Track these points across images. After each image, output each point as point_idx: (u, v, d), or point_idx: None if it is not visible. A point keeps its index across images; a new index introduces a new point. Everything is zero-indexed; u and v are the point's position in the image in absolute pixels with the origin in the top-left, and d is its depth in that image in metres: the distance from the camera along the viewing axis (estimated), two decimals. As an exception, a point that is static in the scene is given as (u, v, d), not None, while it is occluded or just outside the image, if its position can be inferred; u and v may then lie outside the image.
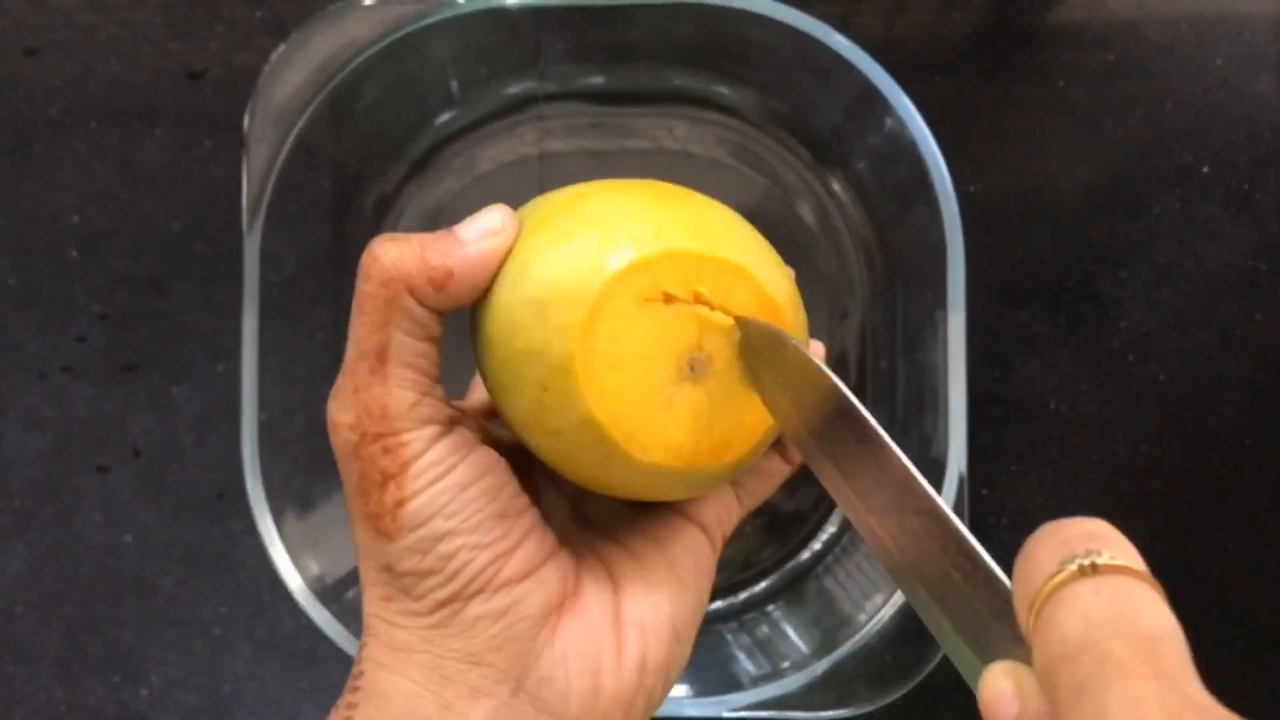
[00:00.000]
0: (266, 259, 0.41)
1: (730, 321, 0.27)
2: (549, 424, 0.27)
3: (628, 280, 0.26)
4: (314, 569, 0.41)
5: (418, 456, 0.26)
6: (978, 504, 0.47)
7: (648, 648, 0.28)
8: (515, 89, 0.47)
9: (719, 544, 0.31)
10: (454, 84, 0.46)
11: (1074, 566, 0.20)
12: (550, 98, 0.48)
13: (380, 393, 0.26)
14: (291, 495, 0.41)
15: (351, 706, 0.27)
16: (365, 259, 0.27)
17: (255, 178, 0.41)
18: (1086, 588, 0.19)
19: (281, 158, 0.41)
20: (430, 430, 0.27)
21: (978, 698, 0.21)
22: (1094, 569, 0.20)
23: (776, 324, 0.27)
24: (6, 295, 0.49)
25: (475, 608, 0.26)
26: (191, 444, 0.48)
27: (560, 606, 0.28)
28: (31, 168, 0.49)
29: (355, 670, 0.27)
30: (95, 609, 0.48)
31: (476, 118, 0.47)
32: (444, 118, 0.47)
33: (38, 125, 0.49)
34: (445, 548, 0.26)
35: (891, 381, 0.45)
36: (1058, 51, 0.48)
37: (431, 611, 0.27)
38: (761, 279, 0.28)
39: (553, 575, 0.28)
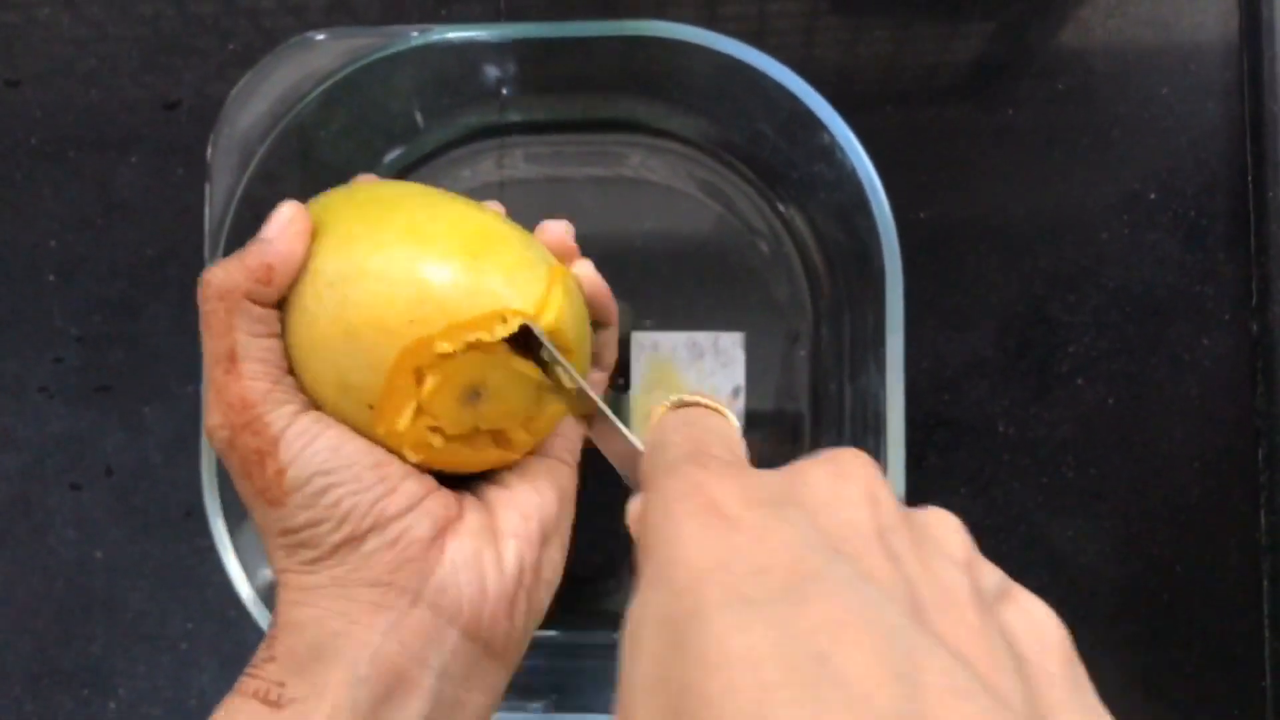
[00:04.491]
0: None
1: (504, 353, 0.32)
2: (349, 418, 0.32)
3: (422, 350, 0.30)
4: (269, 579, 0.42)
5: (284, 429, 0.30)
6: (927, 525, 0.47)
7: (523, 552, 0.32)
8: (476, 118, 0.48)
9: (571, 460, 0.36)
10: (416, 114, 0.47)
11: (666, 403, 0.26)
12: (511, 127, 0.49)
13: (237, 388, 0.30)
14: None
15: (272, 640, 0.30)
16: (201, 284, 0.31)
17: (218, 205, 0.42)
18: (671, 416, 0.25)
19: (242, 186, 0.42)
20: (289, 409, 0.31)
21: None
22: (680, 404, 0.25)
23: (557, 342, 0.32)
24: (-14, 318, 0.50)
25: (370, 543, 0.30)
26: (162, 463, 0.50)
27: (445, 530, 0.31)
28: (11, 195, 0.51)
29: (273, 616, 0.31)
30: (66, 623, 0.49)
31: (438, 146, 0.49)
32: (406, 147, 0.48)
33: (18, 154, 0.51)
34: (329, 498, 0.30)
35: (840, 404, 0.46)
36: (1007, 81, 0.49)
37: (331, 553, 0.30)
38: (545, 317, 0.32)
39: (435, 504, 0.32)
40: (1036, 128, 0.49)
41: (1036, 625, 0.19)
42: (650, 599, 0.18)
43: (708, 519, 0.18)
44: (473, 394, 0.32)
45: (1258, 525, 0.47)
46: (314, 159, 0.45)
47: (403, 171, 0.49)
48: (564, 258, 0.35)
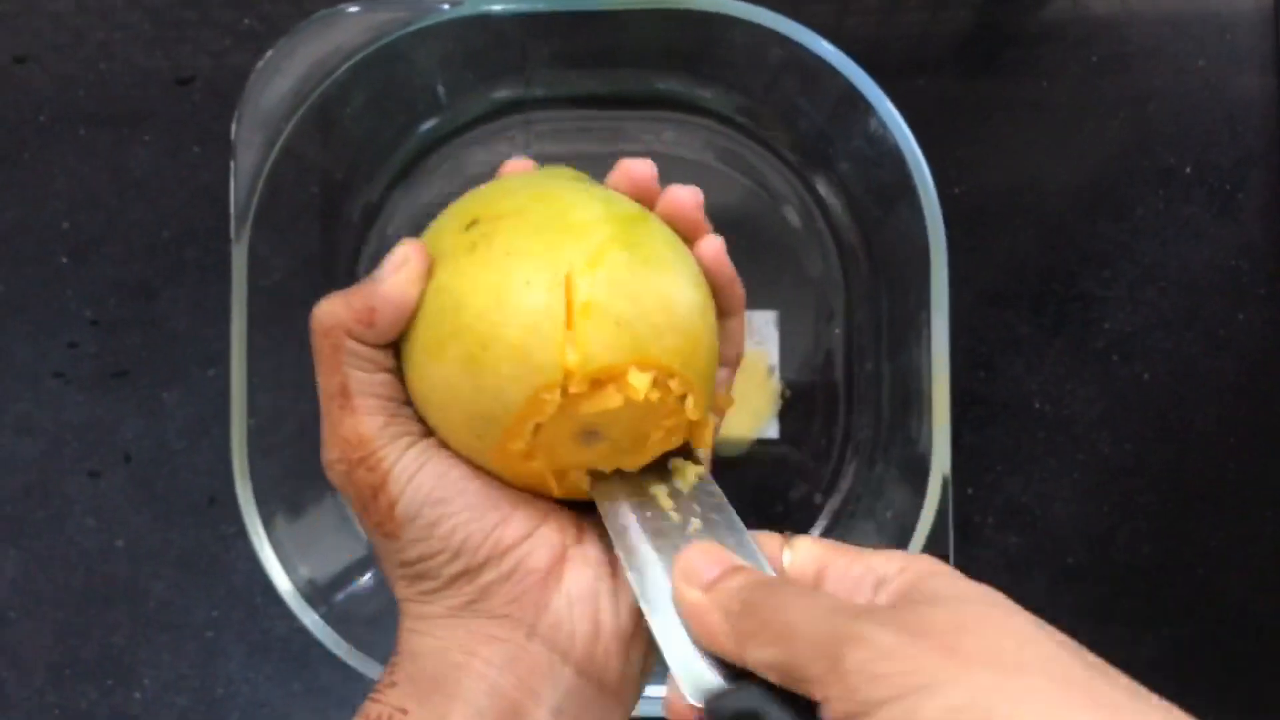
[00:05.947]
0: (255, 265, 0.41)
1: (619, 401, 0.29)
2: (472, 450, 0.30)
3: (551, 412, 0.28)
4: (304, 572, 0.41)
5: (396, 462, 0.30)
6: (963, 503, 0.47)
7: None
8: (502, 94, 0.47)
9: None
10: (440, 89, 0.46)
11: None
12: (537, 102, 0.48)
13: (352, 423, 0.30)
14: (282, 499, 0.41)
15: (394, 666, 0.30)
16: (311, 319, 0.31)
17: (243, 184, 0.41)
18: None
19: (269, 164, 0.41)
20: (404, 441, 0.30)
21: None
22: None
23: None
24: (-3, 302, 0.49)
25: (486, 575, 0.30)
26: (182, 449, 0.49)
27: (563, 558, 0.31)
28: (21, 175, 0.49)
29: (396, 645, 0.31)
30: (87, 613, 0.49)
31: (463, 123, 0.48)
32: (431, 123, 0.47)
33: (27, 132, 0.49)
34: (442, 529, 0.29)
35: (877, 383, 0.46)
36: (1042, 53, 0.48)
37: (449, 585, 0.30)
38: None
39: (552, 531, 0.31)
40: (1071, 101, 0.48)
41: None
42: (962, 582, 0.25)
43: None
44: (590, 435, 0.30)
45: (1291, 499, 0.47)
46: (338, 136, 0.44)
47: (426, 150, 0.48)
48: (689, 234, 0.33)
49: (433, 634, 0.30)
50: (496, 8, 0.41)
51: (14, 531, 0.49)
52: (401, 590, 0.31)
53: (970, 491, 0.48)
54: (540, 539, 0.30)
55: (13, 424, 0.49)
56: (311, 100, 0.41)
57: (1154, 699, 0.22)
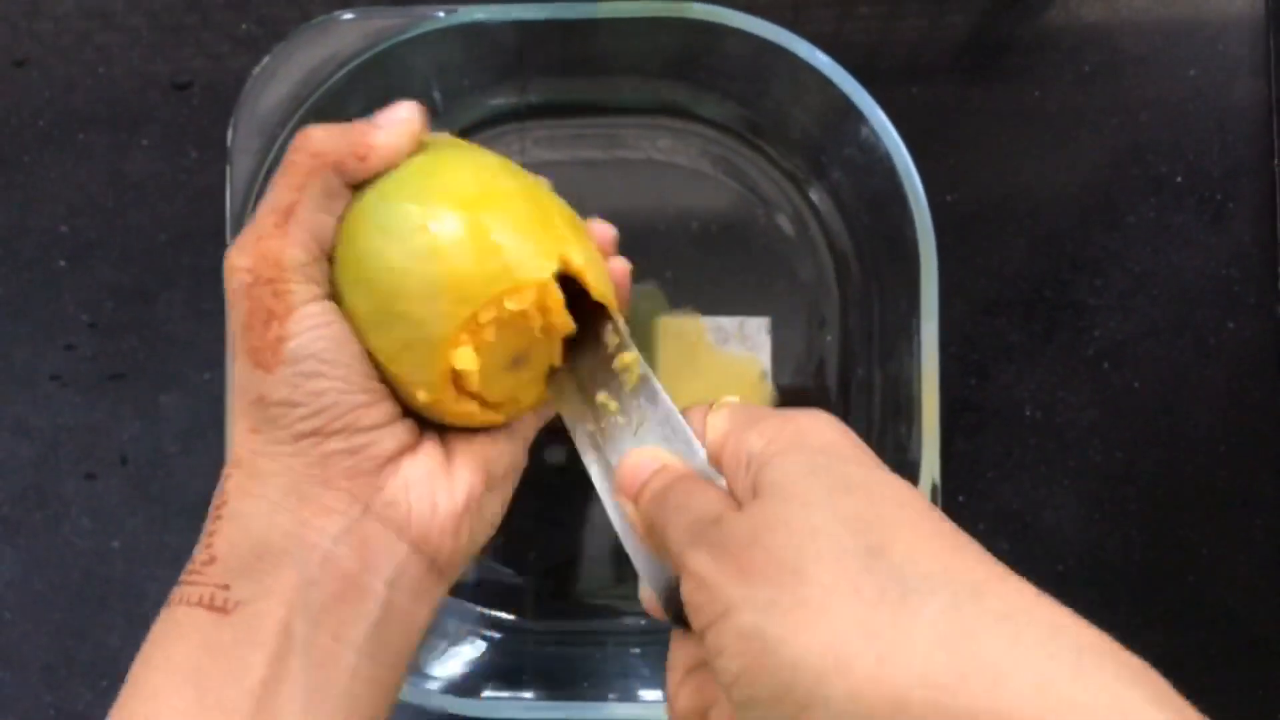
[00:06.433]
0: (250, 269, 0.41)
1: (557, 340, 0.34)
2: (391, 357, 0.31)
3: (503, 301, 0.30)
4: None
5: (303, 304, 0.30)
6: (954, 510, 0.47)
7: (473, 484, 0.33)
8: (498, 101, 0.48)
9: (528, 436, 0.37)
10: (437, 96, 0.46)
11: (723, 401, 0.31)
12: (533, 109, 0.48)
13: (278, 245, 0.30)
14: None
15: (212, 534, 0.30)
16: (298, 136, 0.31)
17: (239, 190, 0.41)
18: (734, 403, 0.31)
19: (264, 170, 0.41)
20: (316, 289, 0.31)
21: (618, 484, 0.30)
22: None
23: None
24: (-5, 304, 0.49)
25: (334, 443, 0.30)
26: (178, 452, 0.49)
27: (402, 454, 0.32)
28: (20, 178, 0.50)
29: (217, 501, 0.31)
30: (83, 614, 0.49)
31: (459, 129, 0.48)
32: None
33: (26, 136, 0.50)
34: (316, 385, 0.30)
35: (868, 389, 0.46)
36: (1034, 62, 0.49)
37: (294, 441, 0.30)
38: (605, 293, 0.33)
39: (403, 430, 0.32)
40: (1063, 109, 0.48)
41: None
42: (801, 458, 0.26)
43: (815, 420, 0.28)
44: (518, 360, 0.33)
45: (1281, 507, 0.47)
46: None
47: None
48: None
49: (265, 495, 0.30)
50: (492, 15, 0.42)
51: (10, 532, 0.49)
52: (242, 435, 0.31)
53: (961, 499, 0.48)
54: (391, 431, 0.31)
55: (10, 426, 0.49)
56: (308, 106, 0.42)
57: (944, 565, 0.23)
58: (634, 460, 0.31)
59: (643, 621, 0.47)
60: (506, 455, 0.35)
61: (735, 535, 0.25)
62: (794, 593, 0.23)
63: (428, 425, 0.34)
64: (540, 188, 0.34)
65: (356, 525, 0.30)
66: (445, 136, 0.37)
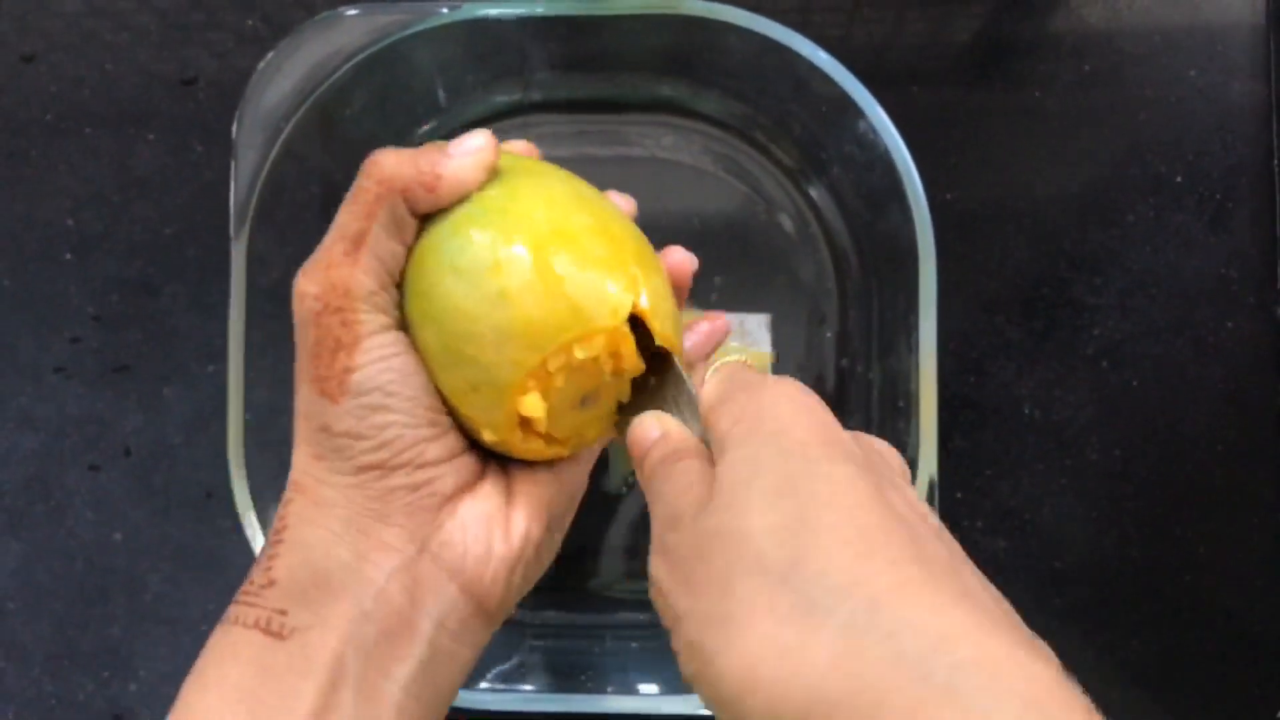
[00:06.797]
0: (254, 263, 0.41)
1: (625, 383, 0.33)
2: (458, 395, 0.31)
3: (573, 349, 0.30)
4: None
5: (371, 334, 0.30)
6: (952, 507, 0.48)
7: (530, 528, 0.32)
8: (501, 97, 0.48)
9: (589, 463, 0.36)
10: (440, 92, 0.47)
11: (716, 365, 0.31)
12: (536, 106, 0.49)
13: (348, 273, 0.30)
14: (277, 494, 0.41)
15: (273, 557, 0.30)
16: (367, 162, 0.30)
17: (243, 184, 0.41)
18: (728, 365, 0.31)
19: (269, 164, 0.41)
20: (384, 319, 0.30)
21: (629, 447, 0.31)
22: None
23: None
24: (1, 296, 0.50)
25: (396, 479, 0.30)
26: (181, 444, 0.49)
27: (463, 491, 0.32)
28: (27, 172, 0.50)
29: (277, 525, 0.30)
30: (85, 605, 0.49)
31: (462, 125, 0.48)
32: (430, 125, 0.48)
33: (34, 130, 0.50)
34: (381, 419, 0.30)
35: (867, 386, 0.46)
36: (1034, 62, 0.49)
37: (357, 473, 0.30)
38: (670, 335, 0.32)
39: (465, 467, 0.32)
40: (1063, 110, 0.49)
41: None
42: (750, 451, 0.26)
43: (777, 396, 0.27)
44: (586, 400, 0.32)
45: None
46: (338, 137, 0.45)
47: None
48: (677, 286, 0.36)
49: (327, 525, 0.30)
50: (496, 11, 0.42)
51: (14, 523, 0.49)
52: (305, 461, 0.31)
53: (959, 495, 0.48)
54: (454, 466, 0.31)
55: (14, 417, 0.50)
56: (312, 101, 0.42)
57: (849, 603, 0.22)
58: (639, 425, 0.31)
59: (642, 616, 0.47)
60: (567, 492, 0.34)
61: (683, 546, 0.26)
62: (723, 607, 0.24)
63: (491, 456, 0.34)
64: (614, 216, 0.33)
65: (411, 563, 0.30)
66: (520, 146, 0.36)
